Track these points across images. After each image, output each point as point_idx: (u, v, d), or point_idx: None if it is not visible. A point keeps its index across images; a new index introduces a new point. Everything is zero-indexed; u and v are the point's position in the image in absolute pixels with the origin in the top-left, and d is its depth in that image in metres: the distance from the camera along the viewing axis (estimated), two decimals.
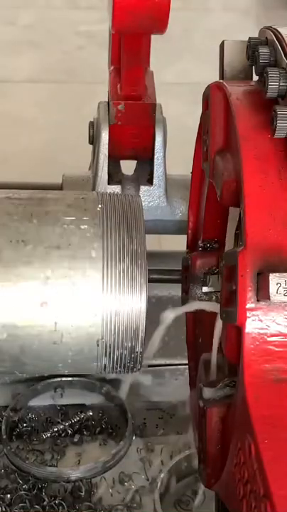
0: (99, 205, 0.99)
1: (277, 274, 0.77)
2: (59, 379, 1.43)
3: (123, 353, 0.97)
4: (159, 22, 1.22)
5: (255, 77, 0.96)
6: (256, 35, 0.95)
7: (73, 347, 0.96)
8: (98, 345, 0.96)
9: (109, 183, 1.39)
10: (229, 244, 1.04)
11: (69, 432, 1.39)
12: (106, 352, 0.96)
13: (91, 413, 1.41)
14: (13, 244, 0.95)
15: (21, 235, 0.96)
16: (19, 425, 1.39)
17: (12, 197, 1.00)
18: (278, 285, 0.77)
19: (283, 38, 0.88)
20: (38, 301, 0.95)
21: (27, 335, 0.96)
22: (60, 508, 1.26)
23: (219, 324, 0.96)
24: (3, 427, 1.36)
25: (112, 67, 1.42)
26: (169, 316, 1.07)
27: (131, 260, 0.95)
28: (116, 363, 0.98)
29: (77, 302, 0.94)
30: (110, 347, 0.96)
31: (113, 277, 0.94)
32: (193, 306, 1.06)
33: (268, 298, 0.77)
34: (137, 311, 0.95)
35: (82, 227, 0.97)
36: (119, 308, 0.94)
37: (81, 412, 1.41)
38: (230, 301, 0.82)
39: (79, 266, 0.95)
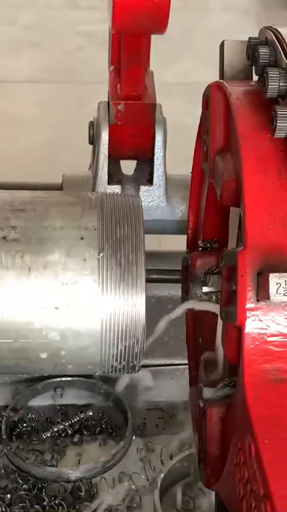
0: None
1: (277, 274, 0.77)
2: (59, 379, 1.43)
3: (123, 354, 0.97)
4: (159, 22, 1.22)
5: (255, 77, 0.96)
6: (256, 35, 0.95)
7: (73, 348, 0.96)
8: (98, 346, 0.96)
9: (109, 183, 1.39)
10: (231, 244, 1.04)
11: (69, 431, 1.39)
12: (106, 353, 0.96)
13: (91, 413, 1.41)
14: (12, 306, 0.95)
15: (19, 295, 0.95)
16: (19, 425, 1.39)
17: (8, 238, 0.96)
18: (278, 285, 0.77)
19: (283, 38, 0.88)
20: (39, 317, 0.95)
21: (28, 335, 0.96)
22: (60, 508, 1.26)
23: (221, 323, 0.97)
24: (3, 427, 1.36)
25: (112, 67, 1.42)
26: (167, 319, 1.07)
27: (130, 261, 0.95)
28: (116, 364, 0.98)
29: (77, 303, 0.94)
30: (110, 348, 0.96)
31: (112, 279, 0.94)
32: (188, 306, 1.06)
33: (268, 298, 0.77)
34: (136, 312, 0.95)
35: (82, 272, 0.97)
36: (119, 309, 0.94)
37: (81, 412, 1.41)
38: (230, 301, 0.82)
39: (78, 267, 0.95)
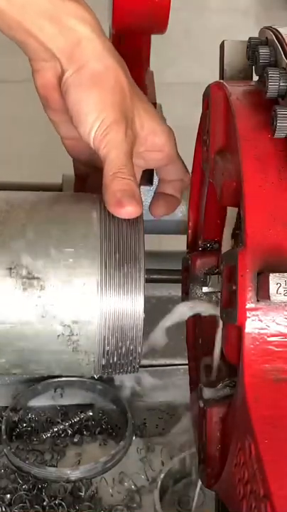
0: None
1: (277, 274, 0.77)
2: (59, 379, 1.43)
3: (121, 354, 0.97)
4: (159, 22, 1.22)
5: (255, 77, 0.95)
6: (256, 35, 0.95)
7: (70, 348, 0.96)
8: (95, 346, 0.96)
9: None
10: (225, 245, 1.03)
11: (69, 432, 1.39)
12: (103, 353, 0.96)
13: (91, 413, 1.41)
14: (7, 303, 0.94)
15: (15, 292, 0.94)
16: (19, 425, 1.39)
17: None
18: (278, 285, 0.77)
19: (283, 38, 0.88)
20: (35, 305, 0.94)
21: (25, 335, 0.96)
22: (60, 508, 1.26)
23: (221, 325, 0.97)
24: (3, 427, 1.36)
25: None
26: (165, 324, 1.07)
27: (129, 260, 0.95)
28: (114, 364, 0.98)
29: (73, 303, 0.94)
30: (107, 348, 0.96)
31: (111, 278, 0.94)
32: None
33: (268, 298, 0.77)
34: (135, 312, 0.95)
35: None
36: (117, 308, 0.94)
37: (81, 412, 1.41)
38: (230, 301, 0.82)
39: (76, 265, 0.95)
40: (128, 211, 0.95)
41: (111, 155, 0.97)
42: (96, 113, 0.97)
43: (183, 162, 1.10)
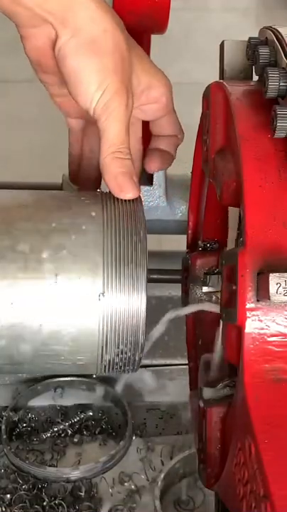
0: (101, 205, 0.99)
1: (277, 274, 0.77)
2: (59, 379, 1.43)
3: (122, 354, 0.97)
4: (159, 22, 1.22)
5: (255, 77, 0.96)
6: (256, 35, 0.95)
7: (71, 347, 0.96)
8: (97, 345, 0.96)
9: None
10: (230, 245, 1.04)
11: (69, 432, 1.39)
12: (104, 352, 0.96)
13: (91, 413, 1.41)
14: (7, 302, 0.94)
15: (16, 291, 0.94)
16: (19, 425, 1.39)
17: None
18: (278, 285, 0.77)
19: (283, 38, 0.88)
20: (36, 301, 0.94)
21: (26, 334, 0.96)
22: (60, 508, 1.26)
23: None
24: (3, 427, 1.36)
25: None
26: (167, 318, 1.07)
27: (132, 260, 0.95)
28: (115, 364, 0.98)
29: (76, 302, 0.94)
30: (109, 347, 0.96)
31: (112, 277, 0.94)
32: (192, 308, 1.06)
33: (268, 298, 0.77)
34: (137, 311, 0.95)
35: (83, 227, 0.97)
36: (119, 308, 0.94)
37: (81, 412, 1.41)
38: (230, 301, 0.82)
39: (78, 265, 0.95)
40: (127, 196, 0.98)
41: (111, 129, 0.97)
42: (97, 83, 0.95)
43: (178, 119, 1.11)
